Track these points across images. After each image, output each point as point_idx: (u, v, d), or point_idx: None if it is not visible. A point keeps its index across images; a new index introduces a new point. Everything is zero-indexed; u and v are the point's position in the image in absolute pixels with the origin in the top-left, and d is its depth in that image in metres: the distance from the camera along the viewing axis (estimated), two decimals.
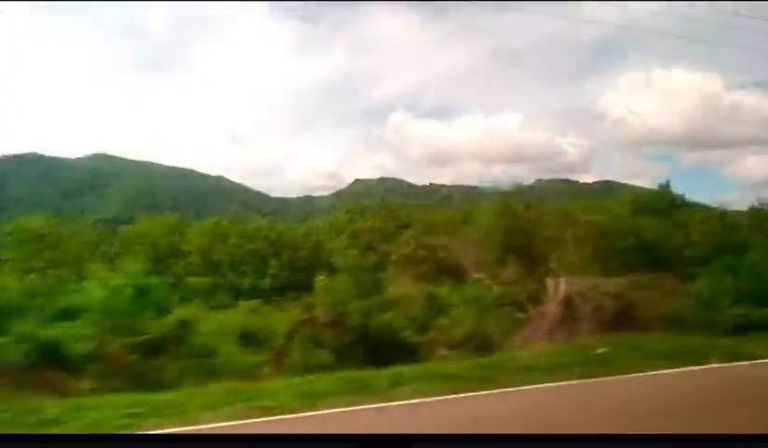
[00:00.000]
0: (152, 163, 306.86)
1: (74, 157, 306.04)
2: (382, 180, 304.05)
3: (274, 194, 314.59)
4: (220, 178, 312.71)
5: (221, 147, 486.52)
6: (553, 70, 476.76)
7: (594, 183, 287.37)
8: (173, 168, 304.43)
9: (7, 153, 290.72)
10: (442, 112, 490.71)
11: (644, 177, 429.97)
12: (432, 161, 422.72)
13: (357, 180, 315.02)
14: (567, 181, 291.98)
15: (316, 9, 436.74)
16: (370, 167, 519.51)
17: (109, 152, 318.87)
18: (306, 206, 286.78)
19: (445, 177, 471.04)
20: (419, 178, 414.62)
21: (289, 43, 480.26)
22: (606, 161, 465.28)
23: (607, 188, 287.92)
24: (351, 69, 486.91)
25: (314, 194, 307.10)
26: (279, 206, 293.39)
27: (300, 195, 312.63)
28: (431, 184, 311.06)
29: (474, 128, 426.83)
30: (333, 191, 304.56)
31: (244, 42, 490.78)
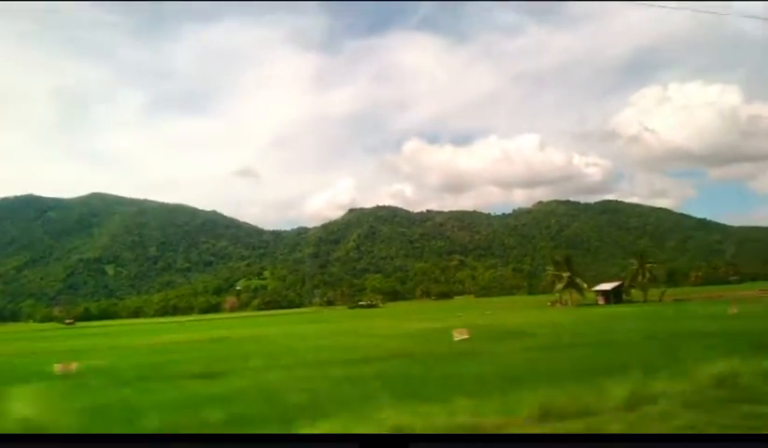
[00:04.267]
0: (144, 200, 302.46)
1: (69, 197, 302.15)
2: (377, 208, 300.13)
3: (266, 227, 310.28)
4: (212, 213, 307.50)
5: (232, 182, 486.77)
6: (570, 91, 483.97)
7: (596, 203, 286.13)
8: (162, 205, 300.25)
9: (4, 195, 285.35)
10: (460, 138, 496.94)
11: (669, 196, 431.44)
12: (448, 187, 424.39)
13: (351, 210, 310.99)
14: (567, 202, 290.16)
15: (336, 40, 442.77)
16: (387, 195, 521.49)
17: (103, 191, 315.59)
18: (299, 239, 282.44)
19: (462, 203, 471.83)
20: (438, 205, 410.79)
21: (308, 75, 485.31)
22: (630, 180, 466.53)
23: (610, 208, 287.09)
24: (371, 99, 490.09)
25: (309, 226, 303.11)
26: (271, 239, 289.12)
27: (294, 227, 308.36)
28: (427, 211, 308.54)
29: (492, 153, 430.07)
30: (326, 221, 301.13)
31: (263, 77, 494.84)
